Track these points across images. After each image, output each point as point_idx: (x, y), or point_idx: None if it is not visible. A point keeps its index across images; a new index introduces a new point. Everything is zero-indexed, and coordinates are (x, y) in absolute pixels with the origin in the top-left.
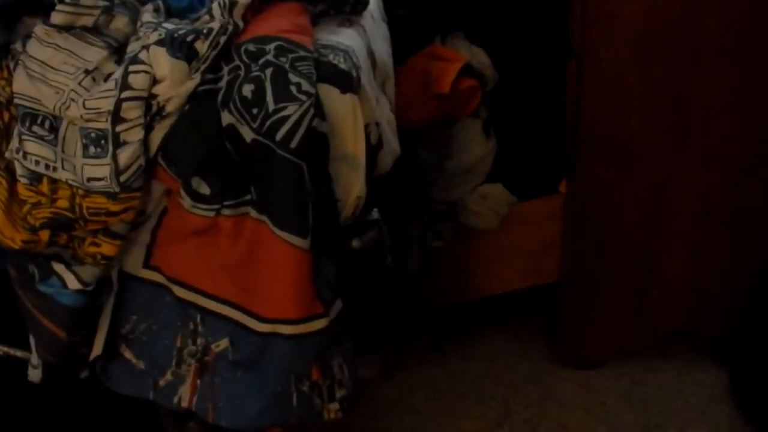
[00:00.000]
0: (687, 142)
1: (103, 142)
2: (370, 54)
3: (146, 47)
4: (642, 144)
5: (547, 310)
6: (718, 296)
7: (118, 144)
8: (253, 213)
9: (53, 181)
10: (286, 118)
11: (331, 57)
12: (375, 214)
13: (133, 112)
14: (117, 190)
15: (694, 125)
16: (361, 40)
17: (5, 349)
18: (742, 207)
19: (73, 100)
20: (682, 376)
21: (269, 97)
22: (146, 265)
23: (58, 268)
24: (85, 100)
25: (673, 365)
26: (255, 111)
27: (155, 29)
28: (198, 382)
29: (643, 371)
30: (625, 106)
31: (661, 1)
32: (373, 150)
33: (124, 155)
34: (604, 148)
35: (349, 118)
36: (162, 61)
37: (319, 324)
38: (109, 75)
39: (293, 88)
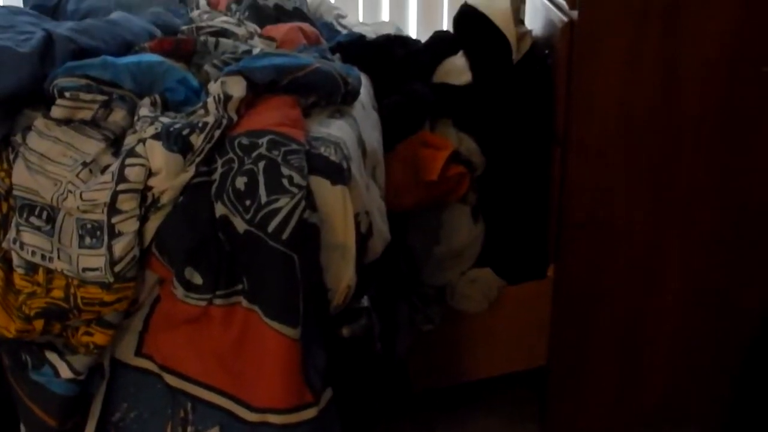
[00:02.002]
0: (669, 224)
1: (98, 233)
2: (361, 143)
3: (143, 140)
4: (625, 226)
5: (536, 392)
6: (704, 375)
7: (113, 235)
8: (244, 302)
9: (49, 271)
10: (278, 210)
11: (322, 149)
12: (365, 301)
13: (128, 203)
14: (111, 280)
15: (676, 207)
16: (352, 130)
17: None
18: (725, 286)
19: (70, 191)
20: None
21: (262, 190)
22: (138, 352)
23: (51, 356)
24: (82, 191)
25: None
26: (248, 203)
27: (152, 123)
28: None
29: None
30: (608, 189)
31: (641, 87)
32: (364, 238)
33: (119, 246)
34: (588, 231)
35: (339, 209)
36: (158, 154)
37: (309, 413)
38: (107, 167)
39: (285, 181)
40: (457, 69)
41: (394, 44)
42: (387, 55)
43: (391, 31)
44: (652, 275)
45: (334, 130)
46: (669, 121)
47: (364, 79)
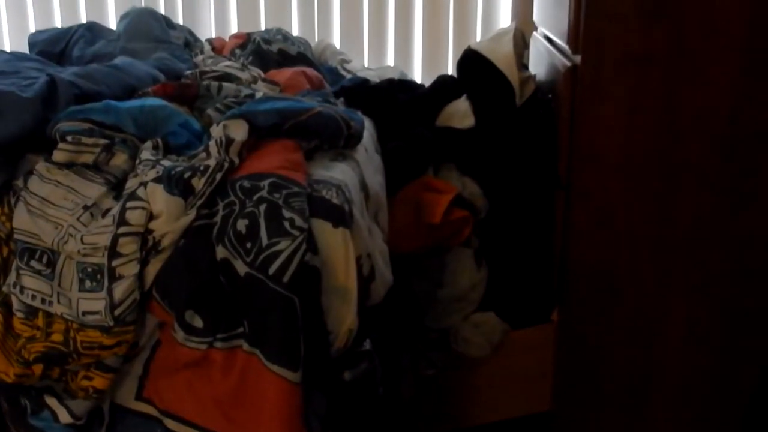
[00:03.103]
0: (673, 267)
1: (98, 276)
2: (363, 186)
3: (144, 184)
4: (629, 269)
5: None
6: (709, 423)
7: (113, 278)
8: (245, 346)
9: (48, 315)
10: (279, 252)
11: (323, 192)
12: (367, 345)
13: (129, 247)
14: (111, 324)
15: (679, 250)
16: (354, 173)
17: None
18: (729, 330)
19: (71, 235)
20: None
21: (263, 232)
22: (138, 397)
23: (51, 401)
24: (83, 235)
25: None
26: (249, 245)
27: (153, 166)
28: None
29: None
30: (612, 234)
31: (643, 132)
32: (366, 281)
33: (119, 289)
34: (593, 276)
35: (341, 252)
36: (159, 198)
37: None
38: (107, 210)
39: (286, 224)
40: (460, 113)
41: (398, 88)
42: (390, 99)
43: (395, 75)
44: (657, 320)
45: (337, 173)
46: (671, 166)
47: (368, 123)
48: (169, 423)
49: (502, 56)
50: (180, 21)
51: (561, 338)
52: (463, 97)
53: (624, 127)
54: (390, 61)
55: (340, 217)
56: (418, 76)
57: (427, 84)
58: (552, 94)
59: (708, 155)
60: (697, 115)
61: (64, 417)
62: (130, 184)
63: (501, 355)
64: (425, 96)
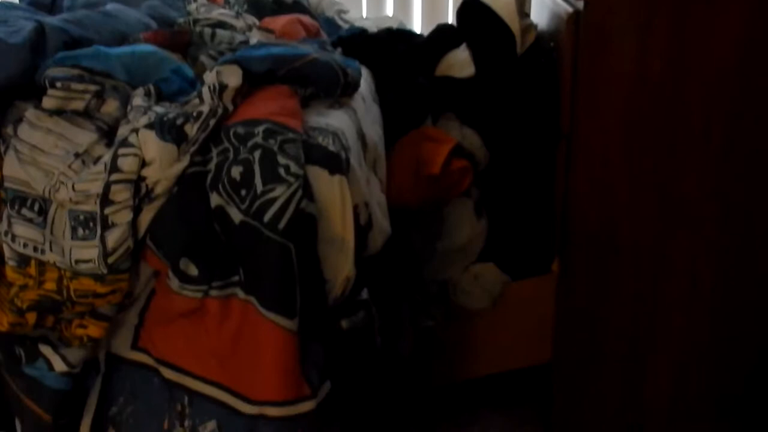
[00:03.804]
0: (675, 220)
1: (91, 224)
2: (361, 136)
3: (136, 130)
4: (631, 221)
5: (540, 390)
6: (712, 375)
7: (106, 226)
8: (240, 294)
9: (41, 264)
10: (274, 199)
11: (320, 139)
12: (364, 294)
13: (121, 194)
14: (104, 272)
15: (682, 204)
16: (351, 121)
17: None
18: (732, 287)
19: (62, 182)
20: None
21: (257, 179)
22: (134, 346)
23: (45, 350)
24: (74, 183)
25: None
26: (243, 193)
27: (145, 113)
28: None
29: None
30: (613, 183)
31: (648, 82)
32: (363, 231)
33: (112, 237)
34: (593, 228)
35: (337, 200)
36: (151, 144)
37: (306, 406)
38: (99, 158)
39: (281, 170)
40: (460, 62)
41: (396, 38)
42: (389, 49)
43: (393, 25)
44: (658, 271)
45: (333, 120)
46: (677, 118)
47: (365, 73)
48: (165, 372)
49: (502, 4)
50: None
51: (561, 289)
52: (463, 46)
53: (627, 76)
54: (388, 10)
55: (336, 164)
56: (417, 26)
57: (426, 34)
58: (554, 43)
59: (715, 106)
60: (705, 64)
61: (59, 365)
62: (122, 131)
63: (501, 306)
64: (424, 45)
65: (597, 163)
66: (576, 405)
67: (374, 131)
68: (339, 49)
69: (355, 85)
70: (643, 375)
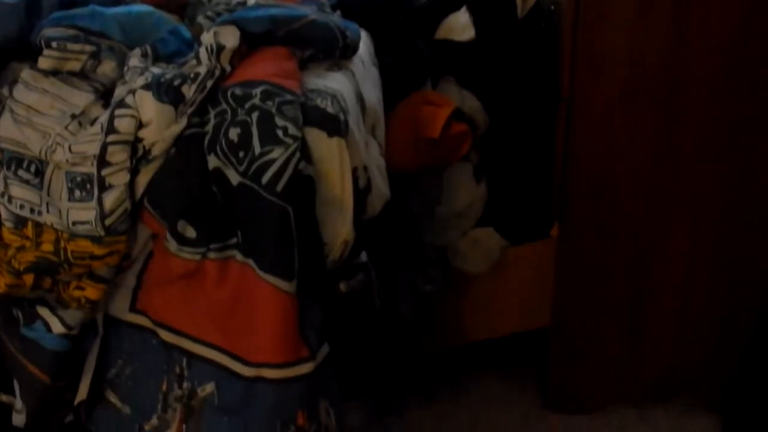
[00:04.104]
0: (676, 185)
1: (88, 186)
2: (359, 98)
3: (132, 91)
4: (631, 186)
5: (539, 355)
6: (709, 345)
7: (103, 188)
8: (238, 256)
9: (38, 225)
10: (272, 161)
11: (318, 101)
12: (363, 257)
13: (118, 155)
14: (102, 233)
15: (683, 168)
16: (350, 84)
17: None
18: (732, 252)
19: (59, 144)
20: (675, 424)
21: (255, 141)
22: (132, 308)
23: (43, 312)
24: (71, 144)
25: (667, 413)
26: (241, 154)
27: (142, 73)
28: (183, 426)
29: (636, 418)
30: (613, 148)
31: (650, 47)
32: (362, 194)
33: (110, 199)
34: (593, 191)
35: (336, 162)
36: (148, 105)
37: (305, 368)
38: (96, 119)
39: (279, 132)
40: (460, 25)
41: (396, 1)
42: (388, 12)
43: None
44: (658, 237)
45: (332, 82)
46: (678, 82)
47: (364, 35)
48: (163, 334)
49: None
50: None
51: (561, 253)
52: (463, 9)
53: (629, 40)
54: None
55: (335, 126)
56: None
57: None
58: (555, 6)
59: (717, 70)
60: (708, 28)
61: (57, 327)
62: (119, 91)
63: (500, 271)
64: (424, 8)
65: (597, 127)
66: (574, 369)
67: (373, 94)
68: (338, 12)
69: (354, 48)
70: (642, 341)
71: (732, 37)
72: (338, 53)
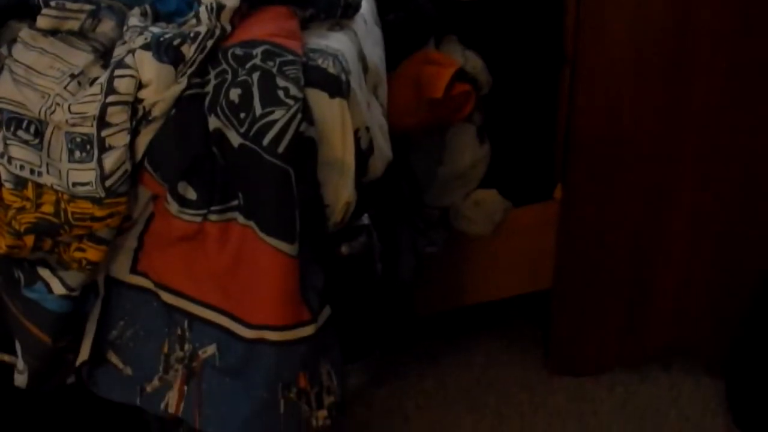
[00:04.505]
0: (680, 145)
1: (88, 146)
2: (362, 58)
3: (132, 51)
4: (635, 147)
5: (541, 318)
6: (712, 308)
7: (103, 149)
8: (240, 218)
9: (38, 186)
10: (273, 122)
11: (320, 61)
12: (365, 219)
13: (118, 116)
14: (102, 195)
15: (687, 131)
16: (352, 44)
17: None
18: (735, 217)
19: (58, 104)
20: (678, 387)
21: (256, 102)
22: (133, 270)
23: (44, 273)
24: (70, 104)
25: (669, 376)
26: (242, 115)
27: (141, 33)
28: (185, 388)
29: (639, 381)
30: (617, 111)
31: (653, 4)
32: (364, 155)
33: (110, 160)
34: (597, 154)
35: (337, 123)
36: (148, 66)
37: (306, 331)
38: (95, 79)
39: (280, 93)
40: None
41: None
42: None
43: None
44: (663, 197)
45: (333, 42)
46: (682, 41)
47: None
48: (165, 296)
49: None
50: None
51: (564, 216)
52: None
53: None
54: None
55: (336, 87)
56: None
57: None
58: None
59: (722, 27)
60: None
61: (58, 288)
62: (118, 51)
63: (503, 232)
64: None
65: (601, 86)
66: (575, 332)
67: (375, 54)
68: None
69: (356, 7)
70: (645, 302)
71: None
72: (340, 12)
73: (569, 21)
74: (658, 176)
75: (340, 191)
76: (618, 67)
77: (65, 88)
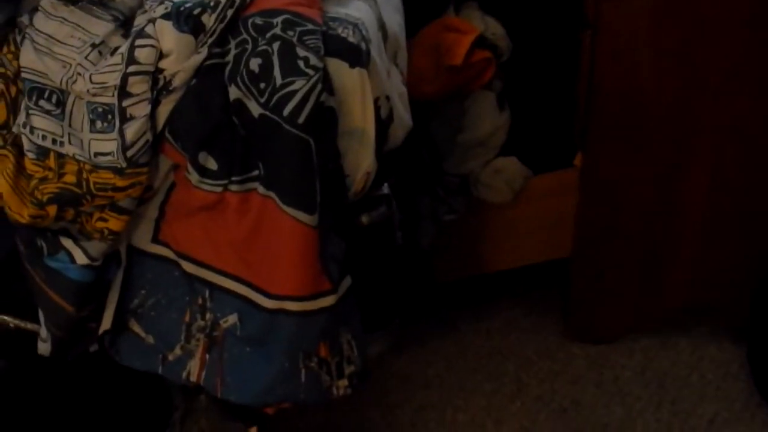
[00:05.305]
0: (701, 110)
1: (109, 116)
2: (381, 26)
3: (152, 21)
4: (655, 117)
5: (561, 285)
6: (731, 272)
7: (124, 119)
8: (260, 189)
9: (60, 156)
10: (293, 92)
11: (339, 30)
12: (385, 189)
13: (139, 86)
14: (124, 165)
15: (709, 93)
16: (372, 12)
17: (16, 322)
18: (754, 181)
19: (79, 74)
20: (697, 351)
21: (276, 72)
22: (155, 239)
23: (66, 242)
24: (91, 74)
25: (689, 340)
26: (262, 86)
27: (161, 2)
28: (206, 356)
29: (658, 346)
30: (638, 75)
31: None
32: (384, 124)
33: (131, 130)
34: (617, 121)
35: (357, 93)
36: (168, 35)
37: (327, 301)
38: (116, 49)
39: (301, 63)
40: None
41: None
42: None
43: None
44: (682, 165)
45: (353, 10)
46: (702, 4)
47: None
48: (186, 265)
49: None
50: None
51: (584, 183)
52: None
53: None
54: None
55: (356, 56)
56: None
57: None
58: None
59: None
60: None
61: (80, 258)
62: (139, 21)
63: (522, 200)
64: None
65: (623, 51)
66: (594, 300)
67: (395, 21)
68: None
69: None
70: (662, 270)
71: None
72: None
73: None
74: (678, 141)
75: (361, 161)
76: (639, 32)
77: (86, 57)
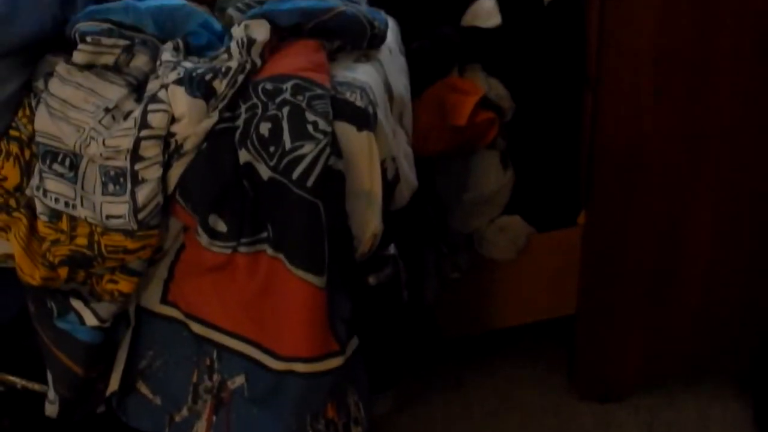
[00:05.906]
0: (702, 166)
1: (121, 179)
2: (387, 88)
3: (165, 86)
4: (658, 172)
5: (566, 342)
6: (736, 328)
7: (136, 182)
8: (269, 250)
9: (72, 219)
10: (302, 156)
11: (347, 94)
12: (391, 249)
13: (151, 150)
14: (135, 227)
15: (711, 152)
16: (378, 75)
17: (23, 382)
18: (758, 235)
19: (92, 138)
20: (704, 409)
21: (286, 136)
22: (163, 300)
23: (76, 304)
24: (104, 138)
25: (696, 398)
26: (272, 149)
27: (174, 68)
28: (213, 417)
29: (665, 404)
30: (640, 131)
31: (676, 26)
32: (390, 185)
33: (143, 193)
34: (620, 177)
35: (365, 155)
36: (180, 100)
37: (335, 362)
38: (129, 113)
39: (310, 127)
40: (486, 12)
41: None
42: None
43: None
44: (684, 221)
45: (360, 74)
46: (704, 61)
47: (391, 23)
48: (194, 326)
49: None
50: None
51: (587, 240)
52: None
53: (656, 21)
54: None
55: (364, 119)
56: None
57: None
58: None
59: (743, 48)
60: (733, 7)
61: (90, 319)
62: (152, 86)
63: (526, 257)
64: None
65: (625, 107)
66: (600, 357)
67: (400, 82)
68: (365, 0)
69: (382, 38)
70: (668, 326)
71: (760, 12)
72: (366, 44)
73: (591, 44)
74: (680, 198)
75: (368, 222)
76: (640, 89)
77: (100, 122)
